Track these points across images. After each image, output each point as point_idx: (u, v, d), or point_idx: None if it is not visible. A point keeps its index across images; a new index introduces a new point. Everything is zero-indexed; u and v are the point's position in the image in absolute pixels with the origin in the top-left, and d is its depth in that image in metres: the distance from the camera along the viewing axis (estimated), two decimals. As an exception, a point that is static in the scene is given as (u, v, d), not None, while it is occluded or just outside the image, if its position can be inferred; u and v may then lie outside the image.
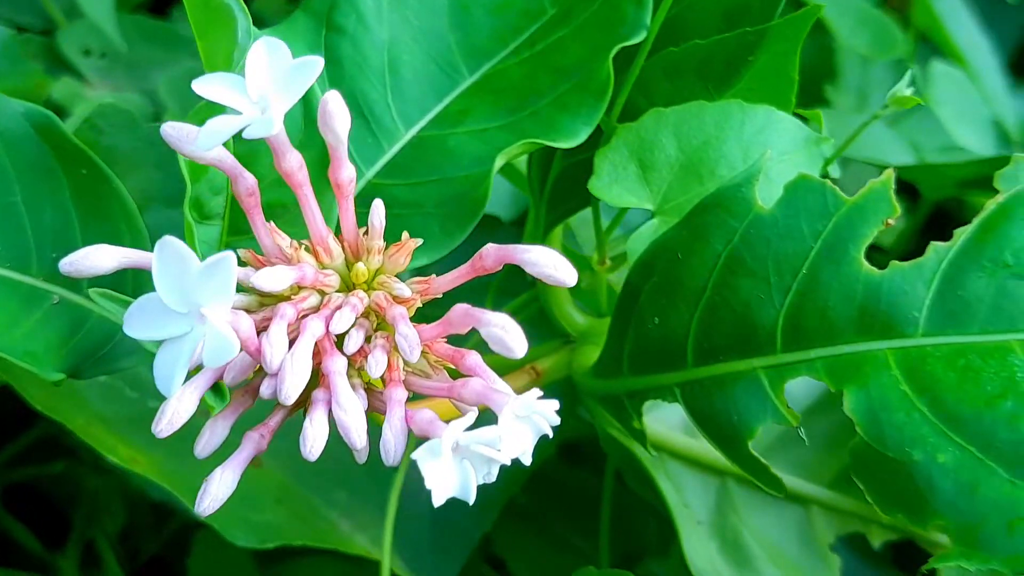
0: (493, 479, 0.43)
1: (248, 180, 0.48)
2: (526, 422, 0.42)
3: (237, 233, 0.56)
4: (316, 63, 0.43)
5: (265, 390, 0.43)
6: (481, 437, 0.41)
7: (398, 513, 0.72)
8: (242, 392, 0.47)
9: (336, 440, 0.72)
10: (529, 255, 0.44)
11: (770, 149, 0.59)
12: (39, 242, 0.56)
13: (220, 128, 0.43)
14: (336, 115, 0.45)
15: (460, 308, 0.45)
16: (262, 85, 0.44)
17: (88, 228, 0.57)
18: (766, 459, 0.69)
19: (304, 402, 0.46)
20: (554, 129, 0.58)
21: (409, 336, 0.44)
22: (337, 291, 0.46)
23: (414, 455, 0.41)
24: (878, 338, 0.54)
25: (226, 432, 0.46)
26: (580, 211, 0.67)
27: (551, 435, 0.43)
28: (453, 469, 0.41)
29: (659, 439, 0.70)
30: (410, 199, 0.59)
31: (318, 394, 0.43)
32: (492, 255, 0.46)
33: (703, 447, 0.71)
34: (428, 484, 0.41)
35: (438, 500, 0.41)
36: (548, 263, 0.44)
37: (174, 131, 0.46)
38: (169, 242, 0.40)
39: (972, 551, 0.50)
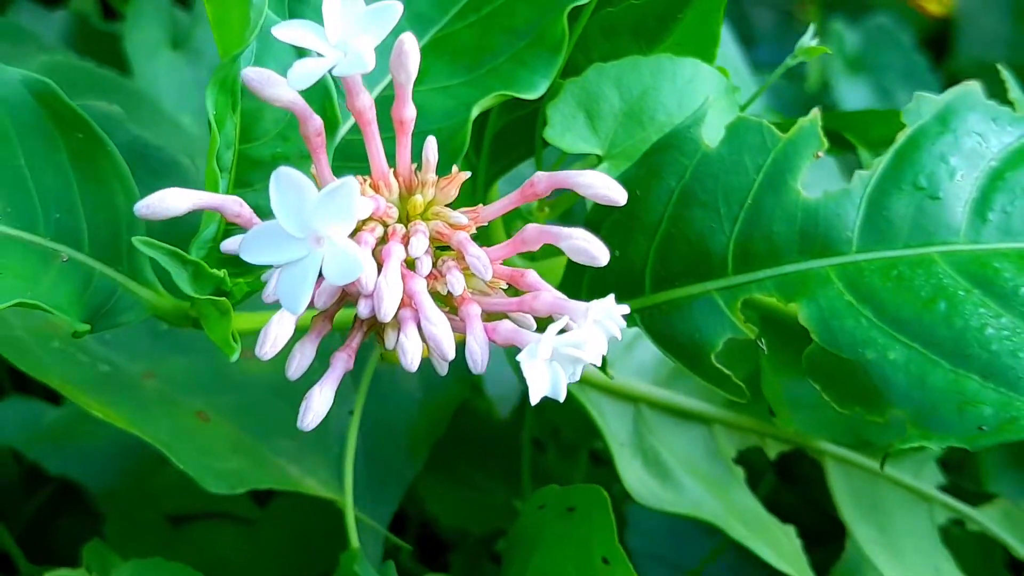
0: (577, 379, 0.48)
1: (317, 121, 0.51)
2: (600, 326, 0.48)
3: (241, 186, 0.60)
4: (395, 7, 0.48)
5: (363, 310, 0.47)
6: (569, 340, 0.46)
7: (335, 455, 0.76)
8: (322, 317, 0.51)
9: (275, 393, 0.76)
10: (583, 178, 0.50)
11: (700, 97, 0.65)
12: (44, 203, 0.58)
13: (311, 69, 0.47)
14: (411, 55, 0.49)
15: (533, 227, 0.50)
16: (340, 30, 0.48)
17: (86, 190, 0.59)
18: (669, 388, 0.76)
19: (371, 327, 0.50)
20: (516, 82, 0.63)
21: (481, 256, 0.49)
22: (397, 222, 0.50)
23: (518, 357, 0.46)
24: (818, 256, 0.61)
25: (313, 353, 0.50)
26: (517, 165, 0.73)
27: (620, 338, 0.48)
28: (546, 371, 0.46)
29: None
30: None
31: (404, 313, 0.48)
32: (544, 181, 0.51)
33: (621, 376, 0.78)
34: (530, 383, 0.46)
35: (535, 398, 0.46)
36: (602, 184, 0.50)
37: (256, 75, 0.50)
38: (285, 172, 0.43)
39: (930, 432, 0.58)
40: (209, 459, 0.71)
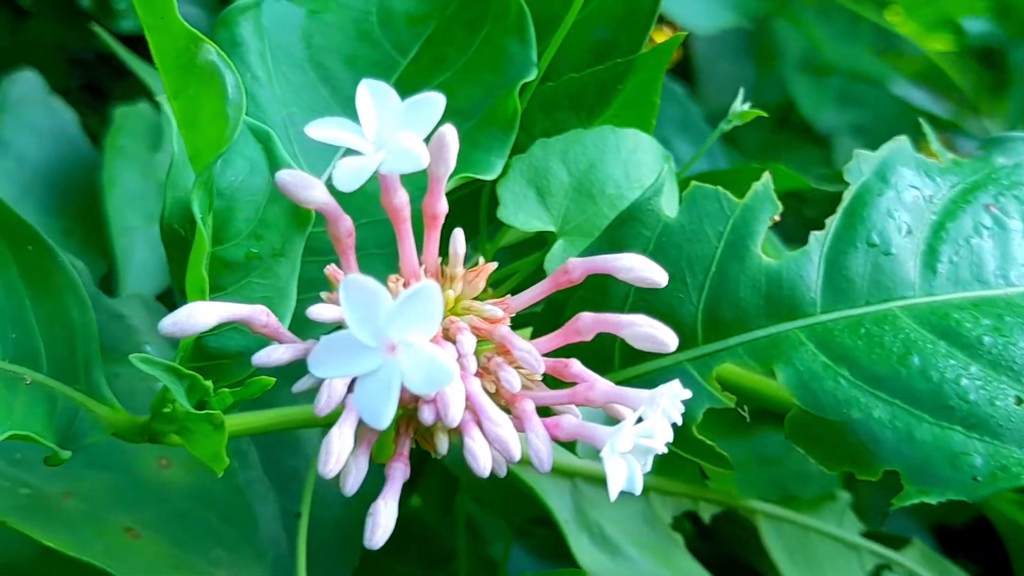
0: (648, 469, 0.47)
1: (347, 222, 0.49)
2: (664, 415, 0.47)
3: (215, 291, 0.56)
4: (438, 98, 0.46)
5: (427, 416, 0.45)
6: (643, 431, 0.45)
7: (270, 560, 0.73)
8: (368, 427, 0.48)
9: (200, 502, 0.73)
10: (622, 262, 0.49)
11: (644, 167, 0.65)
12: (0, 324, 0.54)
13: (358, 168, 0.45)
14: (451, 147, 0.48)
15: (587, 316, 0.48)
16: (377, 126, 0.46)
17: (39, 306, 0.56)
18: (596, 461, 0.75)
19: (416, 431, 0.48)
20: (472, 164, 0.62)
21: (531, 350, 0.47)
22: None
23: (602, 454, 0.44)
24: (786, 319, 0.61)
25: (366, 465, 0.47)
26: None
27: (680, 423, 0.47)
28: (624, 465, 0.45)
29: (514, 452, 0.75)
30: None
31: (464, 416, 0.46)
32: (578, 267, 0.49)
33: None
34: (610, 479, 0.44)
35: (614, 493, 0.44)
36: (644, 267, 0.49)
37: (292, 178, 0.48)
38: (355, 280, 0.41)
39: (927, 488, 0.58)
40: (155, 579, 0.67)
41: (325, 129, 0.46)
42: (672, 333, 0.48)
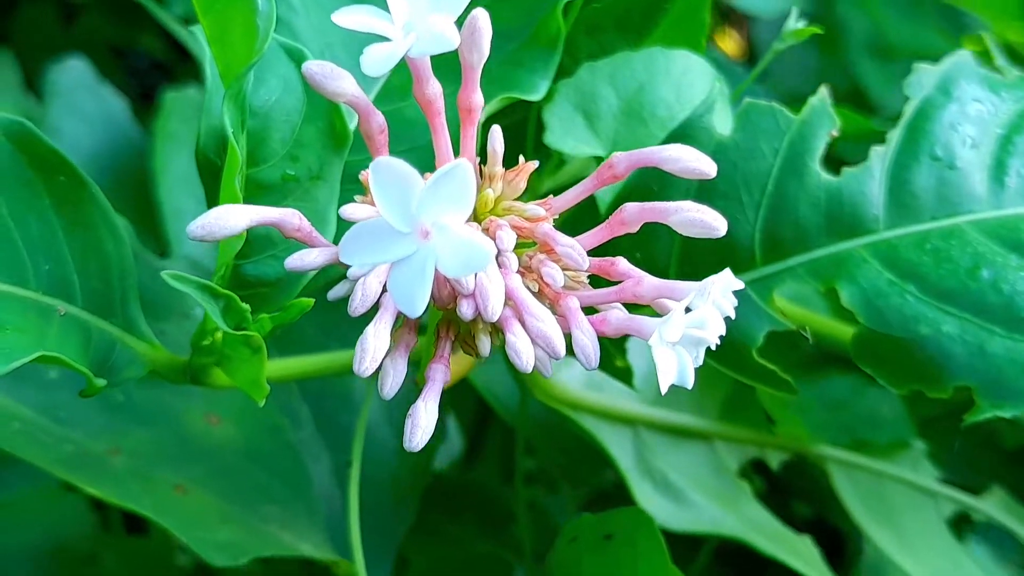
0: (700, 363, 0.44)
1: (379, 117, 0.47)
2: (716, 305, 0.44)
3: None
4: (467, -19, 0.44)
5: (466, 311, 0.42)
6: (693, 320, 0.43)
7: (322, 516, 0.71)
8: (406, 329, 0.46)
9: (247, 458, 0.71)
10: (668, 152, 0.46)
11: (696, 88, 0.63)
12: (31, 254, 0.52)
13: (386, 53, 0.43)
14: (484, 32, 0.45)
15: (633, 205, 0.46)
16: (406, 11, 0.44)
17: (73, 237, 0.54)
18: (659, 408, 0.73)
19: (456, 334, 0.46)
20: (514, 85, 0.60)
21: (574, 245, 0.45)
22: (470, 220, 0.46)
23: (650, 341, 0.42)
24: (848, 238, 0.59)
25: (404, 368, 0.44)
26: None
27: (733, 316, 0.45)
28: (673, 356, 0.43)
29: (573, 398, 0.72)
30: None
31: (505, 312, 0.43)
32: (623, 161, 0.47)
33: (611, 399, 0.74)
34: (660, 369, 0.42)
35: (665, 386, 0.42)
36: (691, 156, 0.46)
37: (319, 68, 0.45)
38: (385, 162, 0.39)
39: (1001, 401, 0.56)
40: (202, 531, 0.65)
41: (352, 16, 0.44)
42: (720, 217, 0.45)
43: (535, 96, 0.59)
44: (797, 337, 0.60)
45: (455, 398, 0.89)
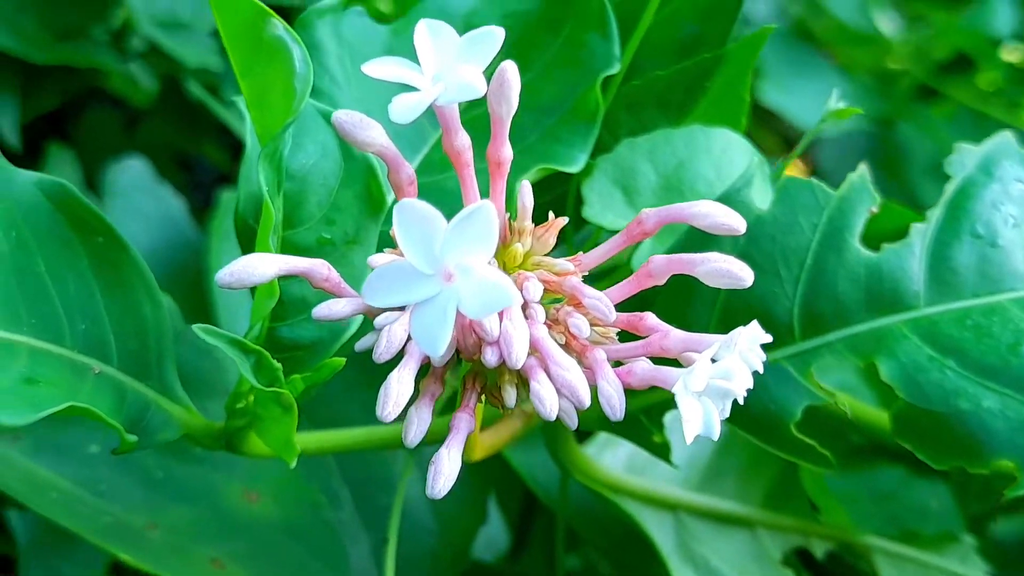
0: (726, 415, 0.44)
1: (408, 169, 0.47)
2: (743, 359, 0.44)
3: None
4: (496, 31, 0.44)
5: (490, 358, 0.42)
6: (718, 371, 0.42)
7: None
8: (432, 379, 0.46)
9: (286, 535, 0.70)
10: (698, 208, 0.46)
11: (736, 166, 0.63)
12: (68, 313, 0.53)
13: (414, 102, 0.43)
14: (513, 84, 0.46)
15: (660, 258, 0.46)
16: (436, 63, 0.45)
17: (110, 297, 0.55)
18: (701, 494, 0.72)
19: (483, 387, 0.46)
20: (552, 158, 0.60)
21: (601, 298, 0.45)
22: (500, 273, 0.46)
23: (673, 389, 0.42)
24: (888, 313, 0.58)
25: (429, 417, 0.44)
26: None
27: (761, 371, 0.44)
28: (699, 406, 0.42)
29: (614, 481, 0.72)
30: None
31: (530, 362, 0.43)
32: (652, 217, 0.47)
33: (653, 484, 0.73)
34: (684, 419, 0.41)
35: (690, 436, 0.42)
36: (720, 212, 0.46)
37: (348, 117, 0.46)
38: (410, 204, 0.39)
39: (1045, 477, 0.55)
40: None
41: (383, 66, 0.45)
42: (747, 268, 0.45)
43: (573, 168, 0.60)
44: (843, 426, 0.59)
45: (500, 490, 0.89)
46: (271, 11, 0.50)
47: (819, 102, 0.66)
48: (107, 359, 0.54)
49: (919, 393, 0.57)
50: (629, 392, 0.59)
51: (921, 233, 0.59)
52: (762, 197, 0.60)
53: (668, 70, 0.64)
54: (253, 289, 0.52)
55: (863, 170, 0.60)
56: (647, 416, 0.62)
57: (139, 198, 1.19)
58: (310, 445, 0.62)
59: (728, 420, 0.59)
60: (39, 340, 0.52)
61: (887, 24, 1.92)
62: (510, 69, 0.46)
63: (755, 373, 0.58)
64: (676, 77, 0.64)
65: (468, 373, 0.46)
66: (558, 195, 0.65)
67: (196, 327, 0.48)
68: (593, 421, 0.64)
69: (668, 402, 0.61)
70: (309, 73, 0.50)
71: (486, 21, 0.63)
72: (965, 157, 0.62)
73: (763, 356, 0.44)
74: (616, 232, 0.58)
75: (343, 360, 0.51)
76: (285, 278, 0.54)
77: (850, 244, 0.59)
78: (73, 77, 1.27)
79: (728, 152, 0.63)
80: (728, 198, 0.59)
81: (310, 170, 0.55)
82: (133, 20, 1.21)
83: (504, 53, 0.64)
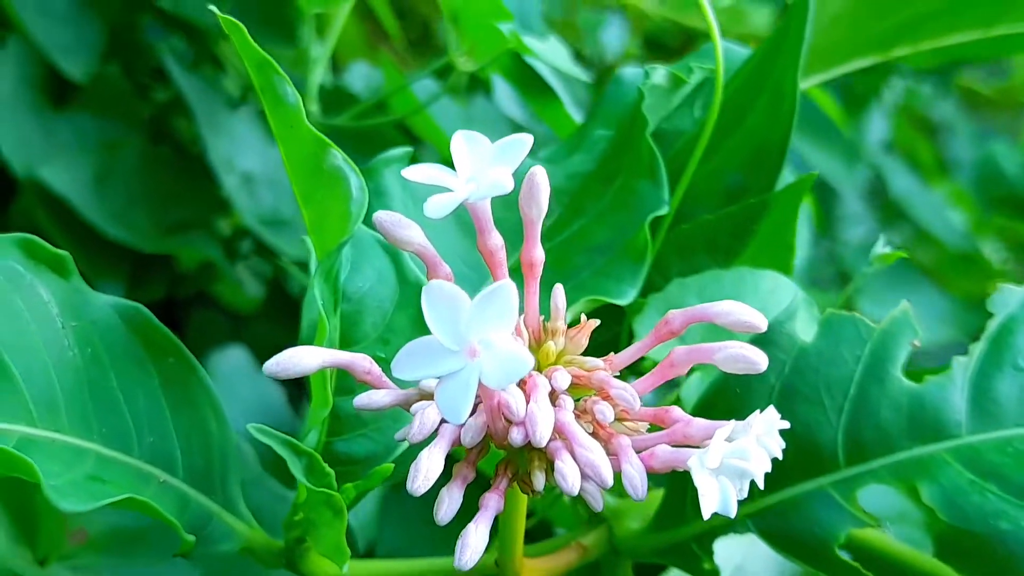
0: (744, 495, 0.45)
1: (446, 268, 0.50)
2: (761, 444, 0.46)
3: (342, 393, 0.58)
4: (525, 138, 0.48)
5: (516, 436, 0.45)
6: (735, 450, 0.44)
7: None
8: (464, 464, 0.48)
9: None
10: (720, 307, 0.49)
11: (783, 306, 0.65)
12: (137, 426, 0.56)
13: (448, 199, 0.47)
14: (542, 187, 0.49)
15: (681, 349, 0.48)
16: (470, 167, 0.48)
17: (178, 415, 0.58)
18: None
19: (515, 473, 0.48)
20: (603, 291, 0.63)
21: (628, 388, 0.47)
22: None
23: (688, 463, 0.44)
24: (931, 441, 0.60)
25: (460, 498, 0.47)
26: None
27: (780, 457, 0.46)
28: (715, 483, 0.44)
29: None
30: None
31: (555, 444, 0.46)
32: (679, 318, 0.49)
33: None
34: (701, 495, 0.43)
35: (707, 512, 0.43)
36: (741, 311, 0.48)
37: (388, 217, 0.49)
38: (437, 285, 0.42)
39: (1086, 599, 0.55)
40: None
41: (421, 170, 0.48)
42: (762, 353, 0.47)
43: (622, 300, 0.63)
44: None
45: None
46: (331, 142, 0.54)
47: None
48: (173, 471, 0.57)
49: (959, 515, 0.57)
50: (680, 520, 0.61)
51: (963, 365, 0.61)
52: (806, 330, 0.62)
53: (715, 214, 0.67)
54: (309, 398, 0.55)
55: (906, 305, 0.62)
56: (698, 543, 0.63)
57: (239, 384, 1.23)
58: (369, 572, 0.64)
59: (774, 545, 0.61)
60: (109, 449, 0.55)
61: (992, 253, 1.95)
62: (539, 173, 0.49)
63: (800, 498, 0.60)
64: (723, 221, 0.67)
65: (501, 461, 0.49)
66: (613, 334, 0.68)
67: (250, 426, 0.51)
68: (649, 551, 0.65)
69: (718, 529, 0.62)
70: (364, 197, 0.54)
71: (551, 181, 0.67)
72: (1008, 296, 0.63)
73: (782, 443, 0.46)
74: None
75: (391, 466, 0.53)
76: (343, 397, 0.57)
77: (892, 375, 0.60)
78: (181, 281, 1.34)
79: (776, 293, 0.66)
80: (772, 330, 0.61)
81: (367, 293, 0.59)
82: (238, 219, 1.27)
83: (562, 205, 0.68)
